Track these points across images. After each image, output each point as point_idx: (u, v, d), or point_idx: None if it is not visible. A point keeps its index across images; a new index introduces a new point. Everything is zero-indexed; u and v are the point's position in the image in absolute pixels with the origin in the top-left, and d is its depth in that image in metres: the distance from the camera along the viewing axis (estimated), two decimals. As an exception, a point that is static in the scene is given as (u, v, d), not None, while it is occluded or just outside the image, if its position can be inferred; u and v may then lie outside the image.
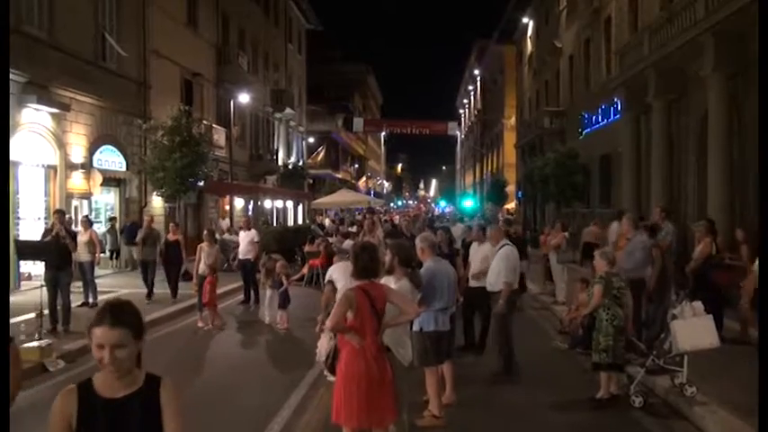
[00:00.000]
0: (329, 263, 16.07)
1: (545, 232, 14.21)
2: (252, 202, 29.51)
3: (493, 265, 7.33)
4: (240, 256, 13.41)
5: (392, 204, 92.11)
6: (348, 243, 15.48)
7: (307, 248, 16.68)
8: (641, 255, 8.26)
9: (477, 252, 8.81)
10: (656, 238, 8.82)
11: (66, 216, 10.70)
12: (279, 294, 10.67)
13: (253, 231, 13.53)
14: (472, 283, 8.41)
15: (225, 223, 22.56)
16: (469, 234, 9.44)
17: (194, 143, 17.23)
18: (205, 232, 11.66)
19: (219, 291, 12.78)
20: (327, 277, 7.26)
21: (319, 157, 44.53)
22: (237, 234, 19.98)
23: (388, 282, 5.00)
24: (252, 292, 13.09)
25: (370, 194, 51.02)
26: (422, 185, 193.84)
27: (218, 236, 19.59)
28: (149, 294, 12.48)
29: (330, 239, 17.74)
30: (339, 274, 7.13)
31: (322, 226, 26.65)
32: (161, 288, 12.74)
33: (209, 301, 10.69)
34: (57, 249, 9.40)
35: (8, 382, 2.53)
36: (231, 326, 11.02)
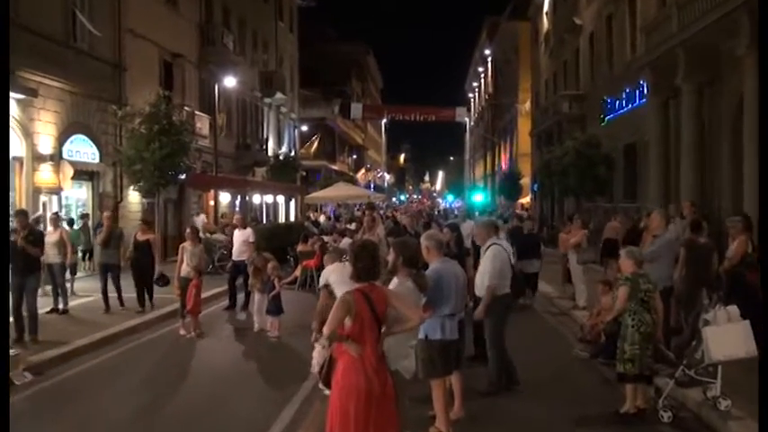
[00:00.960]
0: (325, 264, 16.17)
1: (565, 230, 14.18)
2: (239, 197, 29.53)
3: (480, 266, 7.35)
4: (234, 257, 13.46)
5: (394, 199, 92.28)
6: (346, 242, 15.50)
7: (300, 248, 16.69)
8: (668, 257, 8.24)
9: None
10: (698, 236, 8.80)
11: (34, 216, 10.65)
12: (270, 299, 10.66)
13: (248, 230, 13.58)
14: (477, 289, 8.39)
15: (200, 220, 22.48)
16: None
17: (175, 132, 17.24)
18: (188, 230, 11.66)
19: (203, 295, 12.79)
20: (323, 280, 7.25)
21: (313, 147, 44.56)
22: (226, 232, 20.10)
23: (391, 284, 4.99)
24: (244, 297, 13.11)
25: (369, 188, 51.04)
26: (427, 178, 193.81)
27: (202, 234, 19.68)
28: (110, 306, 11.93)
29: (326, 238, 17.74)
30: (337, 276, 7.12)
31: (317, 223, 26.67)
32: (130, 293, 12.45)
33: (194, 306, 10.70)
34: (21, 252, 9.35)
35: (8, 381, 2.59)
36: (217, 334, 11.04)
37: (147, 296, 12.26)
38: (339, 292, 6.97)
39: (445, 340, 5.76)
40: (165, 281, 12.25)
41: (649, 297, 6.35)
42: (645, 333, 6.28)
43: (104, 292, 12.02)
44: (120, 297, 12.19)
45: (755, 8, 12.32)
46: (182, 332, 10.69)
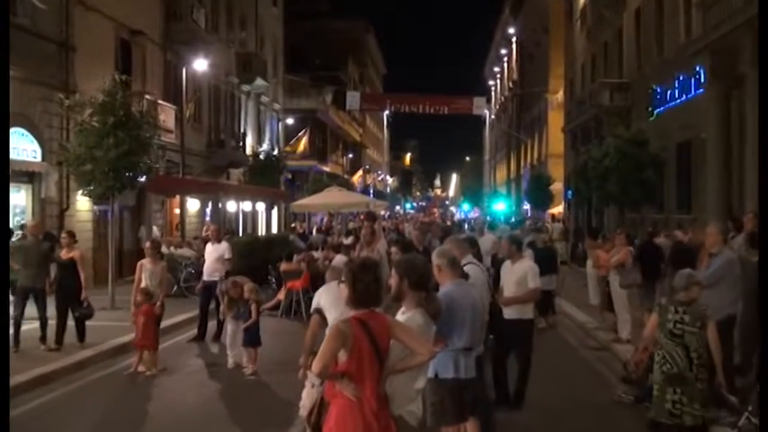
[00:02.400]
0: (314, 285, 16.18)
1: (605, 247, 14.19)
2: (210, 204, 29.56)
3: None
4: (205, 277, 13.50)
5: (398, 207, 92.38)
6: (340, 259, 15.51)
7: (283, 267, 16.70)
8: (729, 280, 8.18)
9: (509, 272, 8.87)
10: (754, 252, 8.78)
11: None
12: (245, 328, 10.66)
13: (224, 245, 13.62)
14: (506, 314, 8.43)
15: (153, 232, 22.45)
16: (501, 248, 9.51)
17: (134, 125, 17.23)
18: (147, 244, 11.66)
19: (166, 322, 12.79)
20: (314, 304, 7.26)
21: (301, 145, 44.62)
22: (195, 246, 20.10)
23: (397, 315, 4.97)
24: (216, 325, 13.13)
25: (368, 194, 51.10)
26: (438, 182, 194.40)
27: (165, 250, 19.64)
28: (19, 338, 11.17)
29: (315, 254, 17.74)
30: (330, 299, 7.11)
31: (304, 236, 26.67)
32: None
33: (142, 340, 10.59)
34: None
35: (8, 381, 2.66)
36: (182, 370, 11.03)
37: (78, 329, 11.73)
38: (331, 318, 6.99)
39: (459, 379, 5.73)
40: (86, 313, 11.68)
41: (682, 330, 6.36)
42: (669, 373, 6.31)
43: (17, 324, 11.32)
44: (43, 330, 11.55)
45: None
46: (140, 368, 10.68)
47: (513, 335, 8.33)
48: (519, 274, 8.76)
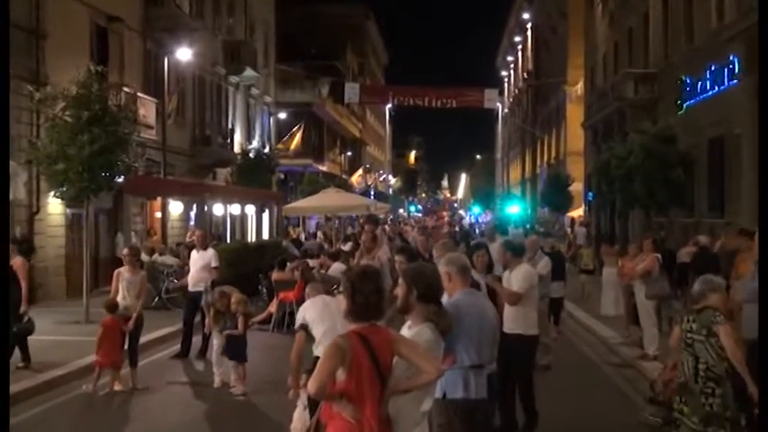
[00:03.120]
0: (309, 297, 16.18)
1: (629, 252, 14.17)
2: (195, 206, 29.58)
3: None
4: (190, 287, 13.50)
5: (402, 210, 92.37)
6: (337, 268, 15.49)
7: (275, 276, 16.68)
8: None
9: (507, 282, 8.94)
10: None
11: None
12: (228, 336, 10.66)
13: (210, 252, 13.64)
14: (506, 327, 8.40)
15: (126, 238, 22.36)
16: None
17: (110, 120, 17.22)
18: (125, 251, 11.63)
19: (146, 337, 12.78)
20: (299, 320, 7.25)
21: (295, 142, 44.61)
22: (179, 254, 20.10)
23: (403, 328, 4.95)
24: (201, 340, 13.15)
25: (369, 196, 51.08)
26: (445, 182, 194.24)
27: (145, 257, 19.59)
28: None
29: (311, 262, 17.71)
30: (315, 313, 7.11)
31: (298, 242, 26.66)
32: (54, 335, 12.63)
33: (105, 358, 10.52)
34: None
35: (8, 381, 2.68)
36: (164, 390, 11.03)
37: (19, 347, 11.41)
38: (318, 334, 6.98)
39: (469, 400, 5.70)
40: (25, 328, 11.37)
41: (692, 339, 6.49)
42: (678, 383, 6.58)
43: None
44: None
45: None
46: (116, 387, 10.66)
47: (512, 352, 8.28)
48: (518, 281, 8.79)
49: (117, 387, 10.65)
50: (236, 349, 10.68)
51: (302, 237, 30.83)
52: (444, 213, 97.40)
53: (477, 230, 38.03)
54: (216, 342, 11.18)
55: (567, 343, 14.56)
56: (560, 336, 14.66)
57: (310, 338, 7.08)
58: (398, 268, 7.74)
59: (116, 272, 11.24)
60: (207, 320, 11.37)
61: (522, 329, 8.54)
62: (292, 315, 15.65)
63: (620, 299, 15.77)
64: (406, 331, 4.93)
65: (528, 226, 37.46)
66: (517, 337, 8.46)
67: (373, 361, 4.19)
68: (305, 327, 7.09)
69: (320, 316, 7.07)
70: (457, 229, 39.31)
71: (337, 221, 35.14)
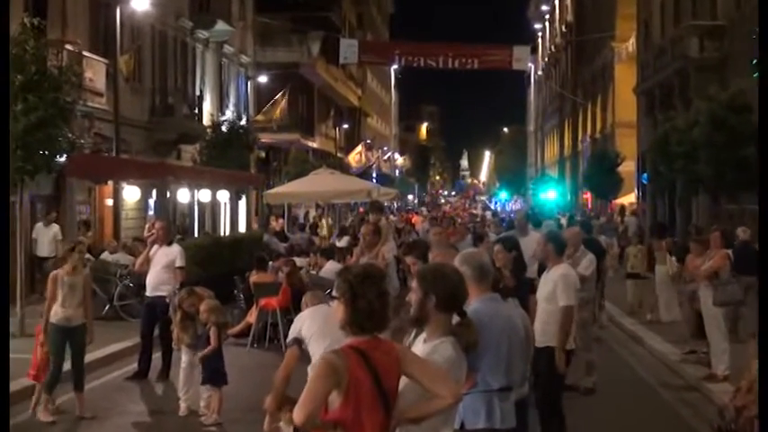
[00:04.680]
0: (296, 303, 16.07)
1: (691, 249, 14.15)
2: (155, 192, 29.54)
3: None
4: (149, 293, 13.49)
5: (411, 196, 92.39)
6: (331, 268, 15.48)
7: (255, 278, 16.69)
8: None
9: (542, 283, 9.00)
10: None
11: None
12: (203, 358, 10.65)
13: (174, 249, 13.60)
14: (537, 341, 8.38)
15: (52, 231, 22.05)
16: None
17: (50, 86, 17.23)
18: (66, 248, 11.56)
19: (94, 354, 12.79)
20: (293, 332, 7.23)
21: (278, 112, 44.57)
22: (135, 251, 20.04)
23: (416, 343, 4.95)
24: (162, 357, 13.15)
25: (371, 179, 51.05)
26: (465, 162, 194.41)
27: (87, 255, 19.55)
28: None
29: (298, 261, 17.71)
30: (315, 326, 7.08)
31: (283, 236, 26.63)
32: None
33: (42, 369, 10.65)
34: None
35: (8, 381, 2.72)
36: (119, 418, 11.02)
37: None
38: (317, 352, 6.96)
39: (494, 430, 5.74)
40: None
41: None
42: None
43: None
44: None
45: None
46: (40, 416, 10.57)
47: (540, 371, 8.29)
48: (549, 287, 8.84)
49: (43, 416, 10.51)
50: (212, 371, 10.61)
51: (323, 227, 30.81)
52: (464, 202, 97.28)
53: (502, 221, 37.70)
54: (184, 358, 11.15)
55: (614, 360, 14.56)
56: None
57: (304, 357, 7.07)
58: (411, 269, 7.70)
59: (52, 275, 11.12)
60: (174, 333, 11.30)
61: (545, 340, 8.54)
62: (276, 327, 15.67)
63: (675, 302, 15.79)
64: (420, 346, 4.92)
65: (569, 215, 37.29)
66: (548, 352, 8.45)
67: (376, 383, 4.19)
68: (300, 342, 7.08)
69: (321, 330, 7.05)
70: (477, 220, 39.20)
71: (330, 210, 35.15)
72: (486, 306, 5.73)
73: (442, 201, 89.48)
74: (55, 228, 22.13)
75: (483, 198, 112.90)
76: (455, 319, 4.98)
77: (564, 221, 29.31)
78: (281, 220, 31.47)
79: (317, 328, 7.09)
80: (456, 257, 6.07)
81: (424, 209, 64.27)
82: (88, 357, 11.56)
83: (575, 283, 8.99)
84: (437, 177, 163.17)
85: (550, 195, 54.96)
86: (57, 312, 10.79)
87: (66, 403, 10.95)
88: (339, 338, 6.94)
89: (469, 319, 5.08)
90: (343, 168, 47.81)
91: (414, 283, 5.08)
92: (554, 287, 8.80)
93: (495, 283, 6.11)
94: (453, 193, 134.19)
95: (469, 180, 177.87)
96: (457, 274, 5.20)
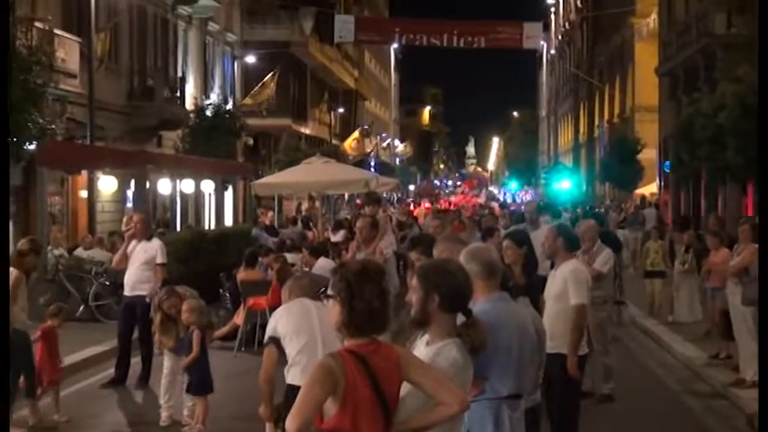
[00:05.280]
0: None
1: (709, 243, 14.17)
2: (133, 183, 29.53)
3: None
4: (127, 292, 13.52)
5: (412, 187, 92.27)
6: (324, 265, 15.44)
7: (242, 275, 16.69)
8: None
9: (551, 281, 9.01)
10: None
11: None
12: (187, 367, 10.64)
13: (154, 244, 13.65)
14: (548, 347, 8.37)
15: None
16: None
17: (18, 67, 17.25)
18: (21, 243, 11.44)
19: (68, 359, 12.78)
20: (269, 330, 7.25)
21: (267, 94, 44.55)
22: (112, 247, 20.04)
23: (418, 346, 4.96)
24: (142, 362, 13.17)
25: (369, 168, 51.06)
26: (471, 149, 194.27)
27: (58, 252, 19.54)
28: None
29: (290, 257, 17.71)
30: (290, 322, 7.10)
31: (273, 230, 26.60)
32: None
33: (53, 373, 10.79)
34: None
35: (8, 381, 2.73)
36: (94, 427, 11.03)
37: None
38: (292, 352, 6.98)
39: (502, 441, 5.74)
40: None
41: None
42: None
43: None
44: None
45: None
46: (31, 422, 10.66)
47: (553, 379, 8.28)
48: (558, 284, 8.83)
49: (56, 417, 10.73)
50: (198, 379, 10.55)
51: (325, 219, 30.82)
52: (468, 191, 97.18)
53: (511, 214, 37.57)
54: (166, 363, 11.14)
55: (634, 365, 14.57)
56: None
57: (283, 357, 7.09)
58: (416, 266, 7.68)
59: (16, 275, 10.92)
60: (155, 336, 11.30)
61: (555, 347, 8.50)
62: (265, 329, 15.69)
63: (696, 300, 15.80)
64: (422, 349, 4.92)
65: (587, 208, 37.25)
66: (559, 358, 8.44)
67: (375, 389, 4.19)
68: (276, 341, 7.09)
69: (296, 327, 7.07)
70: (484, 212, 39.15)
71: (324, 202, 35.14)
72: (494, 306, 5.72)
73: (437, 191, 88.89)
74: None
75: (491, 188, 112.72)
76: (460, 319, 4.98)
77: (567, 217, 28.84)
78: (270, 213, 31.47)
79: (293, 325, 7.10)
80: (462, 253, 6.04)
81: (425, 201, 64.10)
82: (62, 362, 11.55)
83: (586, 279, 8.97)
84: (441, 166, 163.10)
85: (564, 185, 54.88)
86: (20, 317, 10.69)
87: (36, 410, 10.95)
88: (315, 338, 6.98)
89: (476, 318, 5.05)
90: (339, 156, 47.75)
91: (414, 282, 5.06)
92: (564, 284, 8.77)
93: (505, 282, 6.11)
94: (454, 182, 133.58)
95: (472, 168, 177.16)
96: (461, 270, 5.18)
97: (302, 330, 7.00)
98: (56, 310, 11.49)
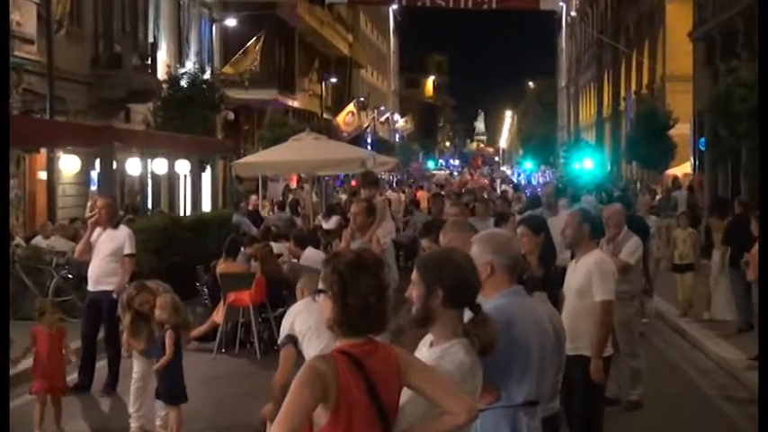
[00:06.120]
0: (273, 298, 16.08)
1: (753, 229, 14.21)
2: (98, 162, 29.50)
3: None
4: (92, 287, 13.52)
5: (414, 164, 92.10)
6: (312, 255, 15.45)
7: (222, 267, 16.70)
8: None
9: (571, 273, 9.04)
10: None
11: None
12: (158, 370, 10.65)
13: (123, 232, 13.66)
14: (568, 348, 8.40)
15: None
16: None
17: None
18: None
19: (24, 362, 12.80)
20: (285, 328, 7.25)
21: (251, 63, 44.49)
22: (74, 235, 20.05)
23: (420, 348, 4.96)
24: (109, 366, 13.20)
25: (365, 145, 51.05)
26: (480, 124, 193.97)
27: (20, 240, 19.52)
28: None
29: (275, 247, 17.71)
30: (312, 320, 7.09)
31: (257, 216, 26.62)
32: None
33: (56, 377, 10.93)
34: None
35: (8, 381, 2.81)
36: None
37: None
38: (312, 352, 6.98)
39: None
40: None
41: None
42: None
43: None
44: None
45: None
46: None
47: (573, 384, 8.29)
48: (581, 277, 8.85)
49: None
50: (168, 385, 10.56)
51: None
52: (471, 171, 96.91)
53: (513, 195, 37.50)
54: (136, 367, 11.15)
55: (664, 367, 14.59)
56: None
57: (300, 358, 7.10)
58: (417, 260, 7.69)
59: None
60: (123, 337, 11.30)
61: (575, 348, 8.50)
62: (248, 327, 15.68)
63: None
64: (425, 351, 4.93)
65: (621, 189, 37.10)
66: (580, 361, 8.44)
67: (371, 396, 4.19)
68: (294, 339, 7.11)
69: (317, 326, 7.07)
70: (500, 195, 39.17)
71: (316, 185, 35.12)
72: (511, 302, 5.71)
73: (432, 172, 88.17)
74: None
75: (503, 169, 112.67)
76: (467, 315, 4.97)
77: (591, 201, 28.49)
78: (253, 197, 31.49)
79: (314, 322, 7.09)
80: (481, 244, 5.94)
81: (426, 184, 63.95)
82: (18, 366, 11.55)
83: (613, 272, 8.96)
84: (446, 144, 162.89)
85: (586, 165, 54.86)
86: None
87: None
88: (329, 340, 6.98)
89: (485, 314, 5.04)
90: (331, 133, 47.78)
91: (414, 275, 5.04)
92: (587, 278, 8.76)
93: (520, 274, 6.12)
94: (455, 162, 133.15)
95: (474, 145, 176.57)
96: (467, 260, 5.16)
97: (323, 330, 7.01)
98: (41, 308, 11.34)
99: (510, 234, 6.82)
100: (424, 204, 32.32)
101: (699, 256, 18.99)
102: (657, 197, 34.87)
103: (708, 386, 13.86)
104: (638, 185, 44.91)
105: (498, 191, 47.40)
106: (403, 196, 38.04)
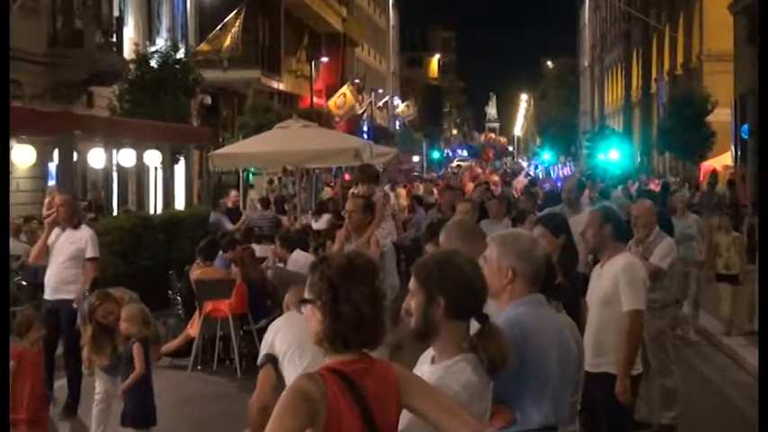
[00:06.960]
0: (255, 309, 16.11)
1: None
2: (56, 153, 29.54)
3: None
4: (47, 294, 13.63)
5: (416, 158, 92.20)
6: (301, 258, 15.48)
7: (198, 273, 16.72)
8: None
9: (595, 280, 9.05)
10: None
11: None
12: (125, 391, 10.65)
13: (85, 233, 13.74)
14: (588, 365, 8.39)
15: None
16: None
17: None
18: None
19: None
20: (265, 347, 7.27)
21: (229, 40, 44.54)
22: (32, 236, 20.06)
23: (421, 364, 4.95)
24: (68, 384, 13.29)
25: (361, 134, 51.09)
26: (492, 110, 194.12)
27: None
28: None
29: (258, 249, 17.74)
30: (292, 337, 7.13)
31: (237, 214, 26.66)
32: None
33: (37, 408, 10.84)
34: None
35: (8, 381, 4.15)
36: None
37: None
38: (295, 373, 6.98)
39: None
40: None
41: None
42: None
43: None
44: None
45: None
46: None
47: (598, 406, 8.28)
48: (606, 285, 8.84)
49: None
50: (140, 406, 10.57)
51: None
52: (482, 165, 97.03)
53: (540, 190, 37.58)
54: (98, 386, 11.20)
55: (700, 385, 14.62)
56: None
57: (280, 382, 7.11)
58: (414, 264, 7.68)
59: None
60: (84, 352, 11.30)
61: (599, 365, 8.51)
62: (227, 341, 15.71)
63: None
64: (426, 368, 4.93)
65: (663, 185, 37.02)
66: (605, 379, 8.44)
67: (365, 420, 4.20)
68: (274, 360, 7.11)
69: (300, 342, 7.08)
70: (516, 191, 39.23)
71: (304, 179, 35.16)
72: (529, 311, 5.75)
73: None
74: None
75: (520, 161, 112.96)
76: (474, 327, 4.96)
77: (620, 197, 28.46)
78: (234, 192, 31.51)
79: (294, 340, 7.11)
80: (501, 246, 5.91)
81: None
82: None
83: (644, 278, 8.95)
84: (454, 131, 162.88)
85: (613, 156, 54.93)
86: None
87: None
88: (317, 357, 6.99)
89: (494, 325, 5.03)
90: (322, 119, 47.85)
91: (412, 282, 5.04)
92: (614, 285, 8.74)
93: (550, 280, 6.10)
94: (463, 152, 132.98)
95: (483, 136, 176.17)
96: (471, 264, 5.15)
97: (306, 346, 7.00)
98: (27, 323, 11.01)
99: (534, 236, 6.77)
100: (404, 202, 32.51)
101: (745, 263, 18.64)
102: (698, 193, 34.87)
103: (748, 406, 13.80)
104: (677, 179, 44.85)
105: (518, 188, 47.21)
106: (403, 192, 38.09)
